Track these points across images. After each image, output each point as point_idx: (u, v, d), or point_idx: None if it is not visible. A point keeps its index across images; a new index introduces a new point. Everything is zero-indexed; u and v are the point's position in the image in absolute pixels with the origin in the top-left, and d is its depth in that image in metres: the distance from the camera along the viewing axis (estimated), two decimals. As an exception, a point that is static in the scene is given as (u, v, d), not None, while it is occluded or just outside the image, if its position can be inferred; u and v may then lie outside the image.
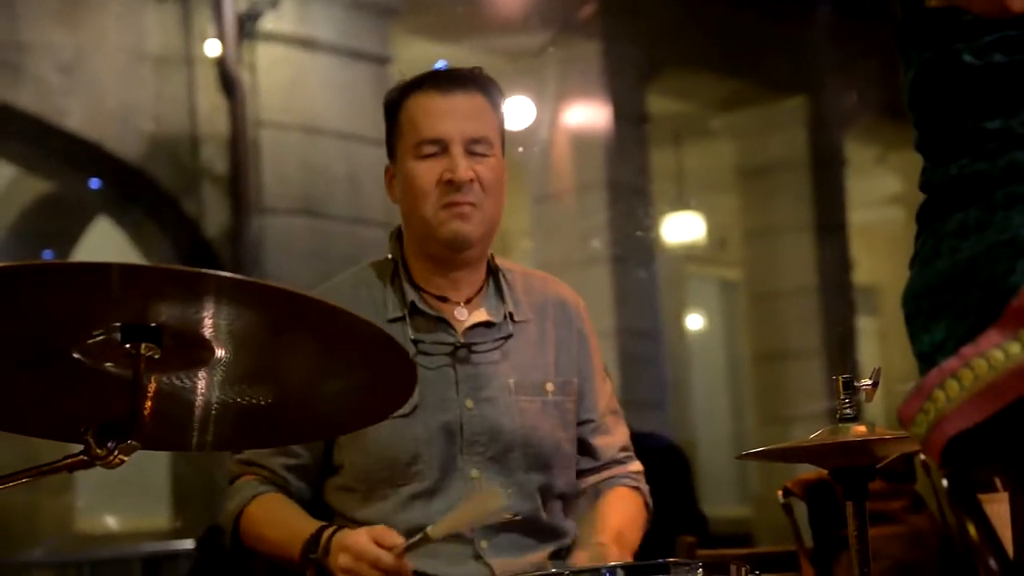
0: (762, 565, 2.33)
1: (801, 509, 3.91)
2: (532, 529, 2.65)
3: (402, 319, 2.67)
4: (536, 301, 2.78)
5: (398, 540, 2.46)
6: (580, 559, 2.56)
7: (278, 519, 2.66)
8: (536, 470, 2.67)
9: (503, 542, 2.61)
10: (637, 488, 2.81)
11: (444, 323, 2.68)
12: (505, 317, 2.72)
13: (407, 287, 2.69)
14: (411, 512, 2.60)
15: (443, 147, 2.65)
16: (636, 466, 2.84)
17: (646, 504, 2.81)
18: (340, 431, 2.45)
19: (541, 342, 2.74)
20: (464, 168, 2.63)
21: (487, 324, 2.70)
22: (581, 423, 2.77)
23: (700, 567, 2.14)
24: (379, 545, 2.45)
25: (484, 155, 2.67)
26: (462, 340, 2.67)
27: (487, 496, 2.52)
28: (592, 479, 2.79)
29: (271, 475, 2.68)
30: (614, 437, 2.82)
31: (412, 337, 2.65)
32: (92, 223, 10.38)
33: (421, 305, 2.68)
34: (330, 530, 2.55)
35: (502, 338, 2.70)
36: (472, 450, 2.63)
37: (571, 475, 2.75)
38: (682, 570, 2.15)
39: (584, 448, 2.78)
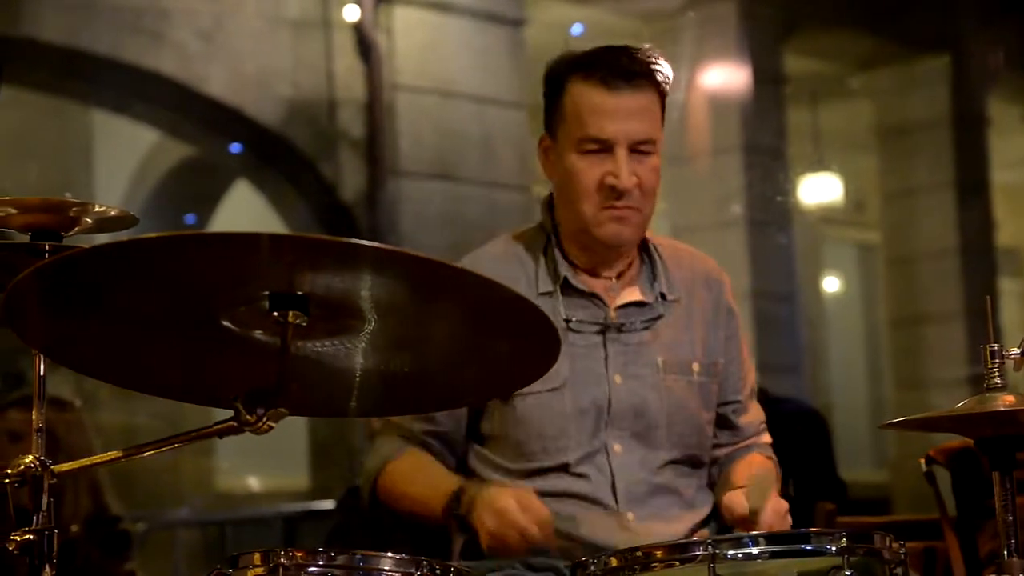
0: (904, 533, 2.29)
1: (944, 477, 3.85)
2: (673, 497, 2.66)
3: (552, 294, 2.66)
4: (684, 277, 2.75)
5: (545, 511, 2.45)
6: (735, 498, 2.53)
7: (419, 475, 2.66)
8: (678, 447, 2.67)
9: (648, 511, 2.62)
10: (770, 457, 2.82)
11: (596, 299, 2.67)
12: (657, 297, 2.70)
13: (560, 260, 2.68)
14: (555, 484, 2.61)
15: (607, 147, 2.59)
16: (767, 438, 2.85)
17: (778, 476, 2.79)
18: (482, 400, 2.47)
19: (688, 321, 2.72)
20: (627, 175, 2.58)
21: (639, 304, 2.69)
22: (727, 403, 2.77)
23: (844, 536, 2.12)
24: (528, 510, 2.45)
25: (647, 153, 2.62)
26: (614, 318, 2.66)
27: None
28: (727, 450, 2.80)
29: (412, 437, 2.70)
30: (754, 415, 2.83)
31: (564, 315, 2.64)
32: (232, 186, 10.52)
33: (573, 280, 2.66)
34: (473, 489, 2.56)
35: (653, 319, 2.68)
36: (618, 425, 2.63)
37: (706, 452, 2.76)
38: (825, 539, 2.13)
39: (727, 425, 2.79)
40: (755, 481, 2.53)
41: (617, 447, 2.62)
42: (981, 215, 10.70)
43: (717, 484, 2.77)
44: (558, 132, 2.67)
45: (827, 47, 10.65)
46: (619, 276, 2.70)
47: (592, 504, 2.60)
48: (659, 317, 2.69)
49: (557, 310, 2.63)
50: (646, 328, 2.68)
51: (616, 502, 2.60)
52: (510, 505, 2.47)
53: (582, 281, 2.67)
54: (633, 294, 2.69)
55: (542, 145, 2.73)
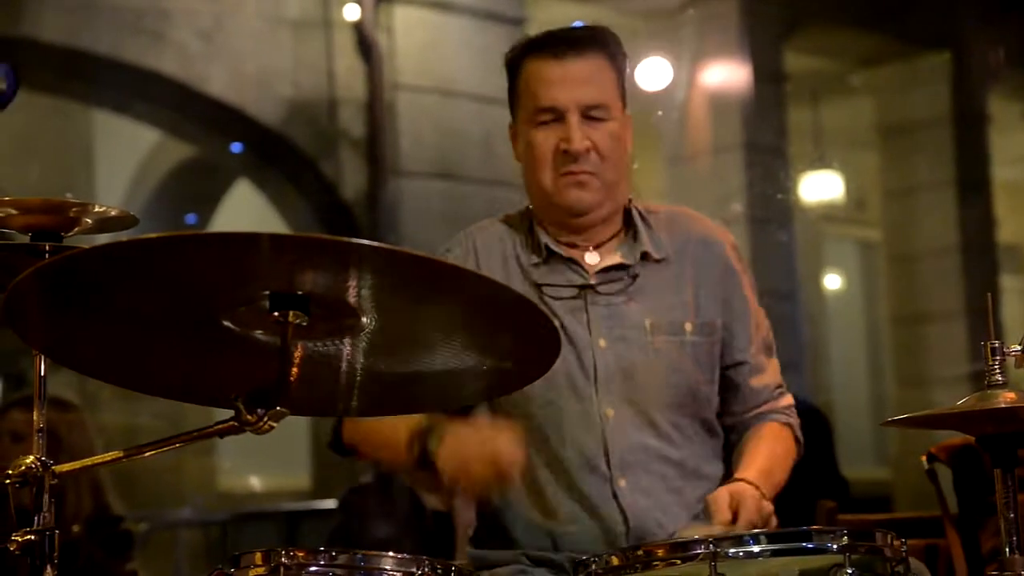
0: (905, 530, 2.29)
1: (946, 474, 3.85)
2: (671, 467, 2.65)
3: (537, 265, 2.69)
4: (678, 239, 2.75)
5: (509, 452, 2.45)
6: (719, 496, 2.51)
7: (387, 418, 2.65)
8: (671, 410, 2.66)
9: (642, 480, 2.61)
10: (788, 424, 2.78)
11: (575, 264, 2.68)
12: (638, 258, 2.70)
13: (539, 232, 2.71)
14: (549, 448, 2.61)
15: (559, 115, 2.63)
16: (787, 400, 2.81)
17: (796, 439, 2.78)
18: (483, 397, 2.47)
19: (678, 281, 2.72)
20: (579, 139, 2.62)
21: (620, 267, 2.69)
22: (735, 365, 2.74)
23: (845, 534, 2.12)
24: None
25: (601, 119, 2.65)
26: (592, 281, 2.67)
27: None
28: (739, 418, 2.77)
29: None
30: (768, 376, 2.79)
31: (540, 280, 2.66)
32: (233, 186, 10.53)
33: (555, 248, 2.69)
34: (443, 423, 2.53)
35: (631, 277, 2.69)
36: (606, 388, 2.63)
37: (709, 415, 2.73)
38: (827, 537, 2.13)
39: (739, 390, 2.75)
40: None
41: (610, 411, 2.62)
42: (982, 212, 10.69)
43: (733, 455, 2.74)
44: (517, 113, 2.72)
45: (828, 45, 10.65)
46: (597, 247, 2.71)
47: (588, 470, 2.59)
48: (636, 276, 2.68)
49: (531, 277, 2.67)
50: (624, 290, 2.68)
51: (608, 467, 2.60)
52: (476, 437, 2.47)
53: (562, 249, 2.70)
54: (613, 258, 2.70)
55: (511, 131, 2.77)
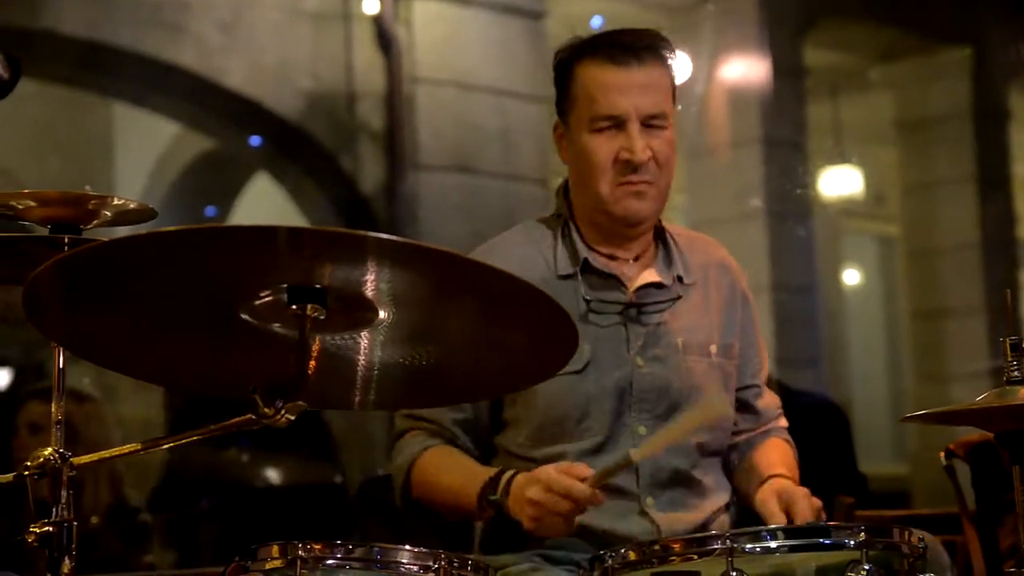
0: (923, 527, 2.29)
1: (964, 471, 3.84)
2: (692, 487, 2.66)
3: (573, 276, 2.66)
4: (699, 263, 2.77)
5: (588, 471, 2.41)
6: (767, 493, 2.53)
7: (452, 466, 2.63)
8: (701, 430, 2.66)
9: (667, 499, 2.62)
10: (790, 442, 2.84)
11: (615, 281, 2.67)
12: (674, 279, 2.71)
13: (579, 244, 2.68)
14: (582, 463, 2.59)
15: (619, 123, 2.61)
16: (784, 422, 2.87)
17: (795, 457, 2.82)
18: (500, 392, 2.47)
19: (705, 304, 2.74)
20: (642, 148, 2.60)
21: (657, 285, 2.69)
22: (746, 387, 2.79)
23: (863, 530, 2.12)
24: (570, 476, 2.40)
25: (660, 128, 2.63)
26: (633, 299, 2.66)
27: (704, 405, 2.51)
28: (747, 436, 2.81)
29: (439, 428, 2.67)
30: (771, 400, 2.86)
31: (586, 296, 2.64)
32: (252, 179, 10.53)
33: (594, 262, 2.67)
34: (510, 472, 2.51)
35: (671, 299, 2.69)
36: (640, 407, 2.63)
37: (724, 440, 2.76)
38: (844, 533, 2.13)
39: (748, 410, 2.80)
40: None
41: (642, 429, 2.62)
42: (1002, 208, 10.67)
43: (738, 471, 2.77)
44: (570, 116, 2.69)
45: (847, 39, 10.62)
46: (636, 259, 2.71)
47: (612, 490, 2.57)
48: (677, 298, 2.69)
49: (578, 291, 2.65)
50: (664, 309, 2.68)
51: (637, 486, 2.60)
52: (551, 471, 2.40)
53: (602, 263, 2.68)
54: (651, 275, 2.70)
55: (557, 132, 2.74)
